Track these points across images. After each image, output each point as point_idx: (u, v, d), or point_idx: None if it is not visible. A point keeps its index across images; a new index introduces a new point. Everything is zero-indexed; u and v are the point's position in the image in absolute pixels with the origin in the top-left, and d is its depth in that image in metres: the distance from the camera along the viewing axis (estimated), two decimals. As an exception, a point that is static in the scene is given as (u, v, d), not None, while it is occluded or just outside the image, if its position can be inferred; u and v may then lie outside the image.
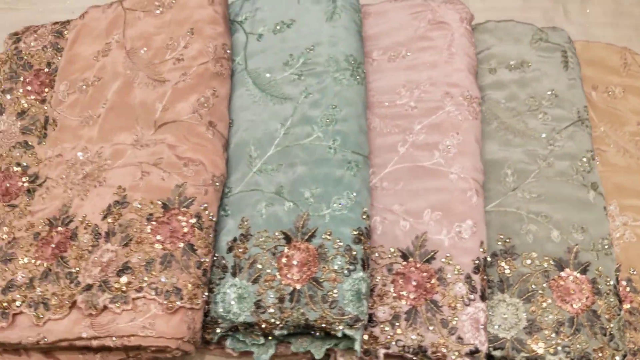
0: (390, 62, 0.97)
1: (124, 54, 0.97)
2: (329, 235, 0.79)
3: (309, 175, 0.83)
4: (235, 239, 0.84)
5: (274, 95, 0.92)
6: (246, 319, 0.78)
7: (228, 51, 0.96)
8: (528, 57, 1.02)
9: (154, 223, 0.81)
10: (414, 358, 0.76)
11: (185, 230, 0.80)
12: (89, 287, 0.78)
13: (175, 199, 0.83)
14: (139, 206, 0.83)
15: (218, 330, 0.81)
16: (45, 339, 0.77)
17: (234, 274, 0.81)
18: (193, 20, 0.95)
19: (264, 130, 0.89)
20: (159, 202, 0.83)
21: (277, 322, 0.76)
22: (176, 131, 0.88)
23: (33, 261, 0.84)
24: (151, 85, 0.92)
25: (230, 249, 0.83)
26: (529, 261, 0.84)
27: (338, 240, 0.78)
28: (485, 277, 0.80)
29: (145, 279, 0.77)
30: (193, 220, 0.81)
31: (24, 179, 0.94)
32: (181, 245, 0.79)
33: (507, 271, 0.84)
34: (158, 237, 0.80)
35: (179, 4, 0.97)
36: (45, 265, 0.83)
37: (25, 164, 0.95)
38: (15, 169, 0.94)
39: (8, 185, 0.92)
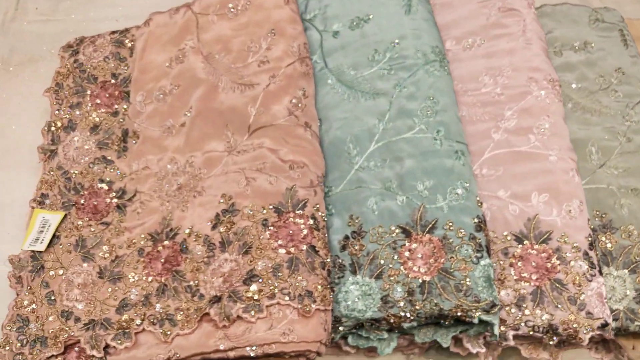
0: (466, 51, 0.98)
1: (201, 60, 0.95)
2: (451, 225, 0.79)
3: (419, 168, 0.84)
4: (347, 237, 0.84)
5: (364, 91, 0.92)
6: (373, 314, 0.78)
7: (308, 50, 0.95)
8: (589, 38, 1.05)
9: (271, 228, 0.80)
10: (544, 337, 0.78)
11: (305, 232, 0.80)
12: (217, 299, 0.76)
13: (288, 202, 0.82)
14: (251, 212, 0.82)
15: (341, 329, 0.81)
16: (178, 355, 0.76)
17: (353, 272, 0.81)
18: (273, 21, 0.94)
19: (360, 126, 0.89)
20: (271, 207, 0.82)
21: (408, 315, 0.77)
22: (273, 134, 0.87)
23: (144, 278, 0.82)
24: (238, 89, 0.91)
25: (344, 247, 0.83)
26: (627, 234, 0.87)
27: (461, 230, 0.79)
28: (597, 253, 0.83)
29: (276, 284, 0.76)
30: (310, 222, 0.80)
31: (111, 195, 0.91)
32: (304, 247, 0.79)
33: (608, 245, 0.87)
34: (279, 242, 0.79)
35: (254, 5, 0.95)
36: (159, 280, 0.81)
37: (108, 179, 0.92)
38: (100, 185, 0.91)
39: (96, 203, 0.90)
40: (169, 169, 0.90)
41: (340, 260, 0.82)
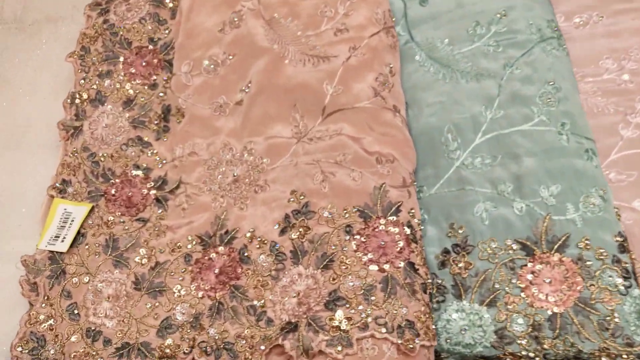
0: (580, 29, 0.81)
1: (262, 24, 0.77)
2: (588, 243, 0.63)
3: (542, 168, 0.67)
4: (447, 251, 0.67)
5: (464, 71, 0.74)
6: (484, 351, 0.62)
7: (393, 19, 0.78)
8: None
9: (357, 237, 0.63)
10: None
11: (401, 244, 0.63)
12: (292, 327, 0.59)
13: (377, 205, 0.65)
14: (330, 216, 0.65)
15: (440, 366, 0.64)
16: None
17: (457, 296, 0.64)
18: (352, -19, 0.76)
19: (461, 113, 0.72)
20: (356, 210, 0.65)
21: (532, 355, 0.60)
22: (355, 119, 0.70)
23: (193, 292, 0.65)
24: (309, 62, 0.73)
25: (443, 264, 0.66)
26: None
27: (601, 250, 0.62)
28: None
29: (368, 311, 0.59)
30: (407, 231, 0.63)
31: (148, 185, 0.73)
32: (401, 264, 0.62)
33: None
34: (370, 256, 0.62)
35: (329, -38, 0.77)
36: (212, 297, 0.63)
37: (145, 166, 0.75)
38: (135, 172, 0.74)
39: (130, 194, 0.72)
40: (222, 157, 0.72)
41: (438, 281, 0.65)
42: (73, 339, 0.63)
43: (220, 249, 0.66)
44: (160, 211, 0.71)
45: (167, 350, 0.61)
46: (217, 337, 0.61)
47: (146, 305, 0.64)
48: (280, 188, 0.69)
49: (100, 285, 0.65)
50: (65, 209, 0.70)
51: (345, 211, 0.66)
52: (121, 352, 0.61)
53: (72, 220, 0.69)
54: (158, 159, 0.75)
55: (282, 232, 0.66)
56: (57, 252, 0.68)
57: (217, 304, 0.63)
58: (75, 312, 0.64)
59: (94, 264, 0.67)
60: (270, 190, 0.69)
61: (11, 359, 0.62)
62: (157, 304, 0.64)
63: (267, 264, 0.64)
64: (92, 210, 0.71)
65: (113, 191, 0.72)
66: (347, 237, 0.64)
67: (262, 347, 0.60)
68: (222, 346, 0.60)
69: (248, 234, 0.67)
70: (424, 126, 0.74)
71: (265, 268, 0.64)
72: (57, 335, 0.63)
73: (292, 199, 0.67)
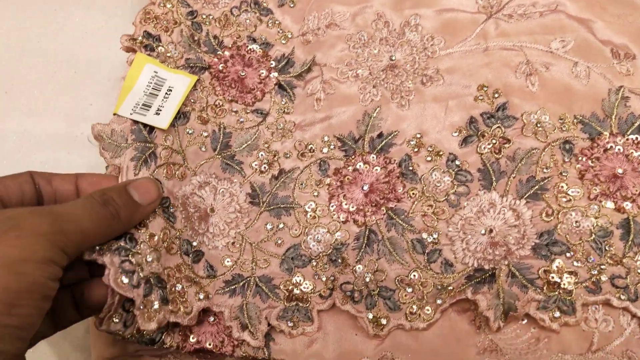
0: None
1: None
2: None
3: None
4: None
5: None
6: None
7: None
8: None
9: (582, 159, 0.44)
10: None
11: (648, 176, 0.42)
12: (487, 277, 0.41)
13: (612, 117, 0.44)
14: (539, 126, 0.45)
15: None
16: (398, 365, 0.41)
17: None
18: None
19: None
20: (577, 121, 0.45)
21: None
22: (579, -9, 0.48)
23: (332, 214, 0.47)
24: None
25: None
26: None
27: None
28: None
29: (603, 267, 0.40)
30: (657, 158, 0.43)
31: (269, 65, 0.53)
32: (650, 204, 0.41)
33: None
34: (599, 188, 0.42)
35: None
36: (360, 222, 0.45)
37: (264, 39, 0.55)
38: (250, 46, 0.54)
39: (244, 74, 0.53)
40: (373, 33, 0.52)
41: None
42: (168, 247, 0.43)
43: (372, 157, 0.47)
44: (284, 102, 0.51)
45: (296, 291, 0.43)
46: (368, 279, 0.42)
47: (266, 226, 0.46)
48: (462, 80, 0.48)
49: (203, 192, 0.47)
50: (155, 73, 0.49)
51: (561, 121, 0.45)
52: (232, 286, 0.44)
53: (170, 91, 0.49)
54: (281, 31, 0.54)
55: (465, 142, 0.46)
56: (144, 125, 0.47)
57: (367, 233, 0.44)
58: (171, 210, 0.44)
59: (196, 158, 0.48)
60: (445, 83, 0.49)
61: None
62: (281, 225, 0.46)
63: (442, 185, 0.45)
64: (196, 84, 0.51)
65: (220, 66, 0.53)
66: (567, 158, 0.43)
67: (439, 301, 0.41)
68: (375, 292, 0.42)
69: (413, 141, 0.47)
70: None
71: (440, 190, 0.45)
72: (152, 235, 0.41)
73: (480, 97, 0.47)
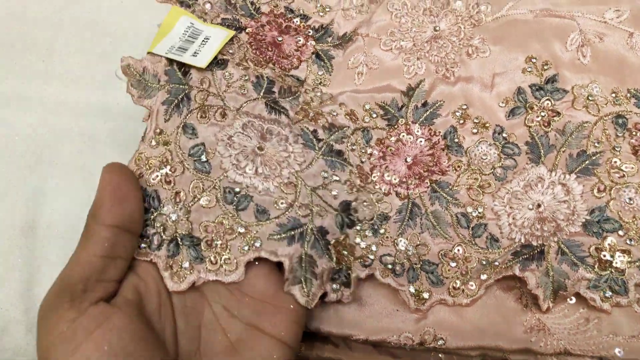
0: None
1: None
2: None
3: None
4: None
5: None
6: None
7: None
8: None
9: (636, 134, 0.42)
10: None
11: None
12: (536, 254, 0.40)
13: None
14: (591, 98, 0.43)
15: None
16: (443, 342, 0.40)
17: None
18: None
19: None
20: (631, 95, 0.43)
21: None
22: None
23: (375, 184, 0.45)
24: None
25: None
26: None
27: None
28: None
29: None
30: None
31: (307, 33, 0.52)
32: None
33: None
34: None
35: None
36: (402, 195, 0.44)
37: (302, 12, 0.53)
38: (289, 15, 0.53)
39: (280, 40, 0.51)
40: (415, 3, 0.50)
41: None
42: (203, 201, 0.39)
43: (416, 128, 0.46)
44: (321, 73, 0.50)
45: (344, 252, 0.41)
46: (410, 252, 0.41)
47: (322, 174, 0.42)
48: (509, 51, 0.46)
49: (248, 131, 0.41)
50: (192, 24, 0.47)
51: (614, 94, 0.43)
52: (290, 232, 0.39)
53: (206, 40, 0.46)
54: (320, 5, 0.53)
55: (512, 113, 0.45)
56: (180, 64, 0.43)
57: (409, 206, 0.43)
58: (204, 159, 0.40)
59: (237, 101, 0.43)
60: (491, 54, 0.47)
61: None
62: (335, 177, 0.42)
63: (489, 158, 0.44)
64: (232, 39, 0.48)
65: (257, 28, 0.51)
66: (620, 133, 0.42)
67: (484, 277, 0.40)
68: (418, 265, 0.41)
69: (459, 112, 0.46)
70: None
71: (486, 163, 0.44)
72: (177, 193, 0.39)
73: (529, 69, 0.45)
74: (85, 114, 0.57)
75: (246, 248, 0.38)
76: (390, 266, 0.41)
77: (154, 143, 0.41)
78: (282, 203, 0.39)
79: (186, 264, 0.37)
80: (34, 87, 0.59)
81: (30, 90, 0.58)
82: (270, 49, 0.49)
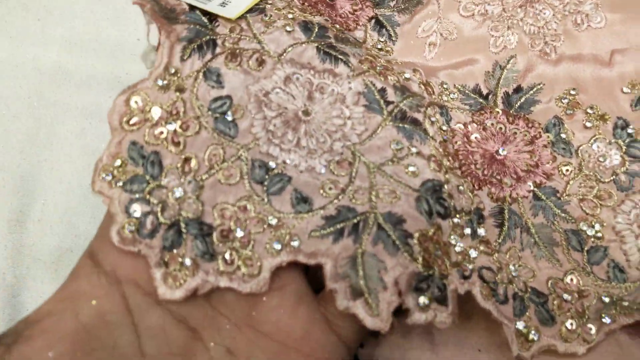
0: None
1: None
2: None
3: None
4: None
5: None
6: None
7: None
8: None
9: None
10: None
11: None
12: None
13: None
14: None
15: None
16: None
17: None
18: None
19: None
20: None
21: None
22: None
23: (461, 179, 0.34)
24: None
25: None
26: None
27: None
28: None
29: None
30: None
31: (364, -4, 0.42)
32: None
33: None
34: None
35: None
36: (497, 196, 0.34)
37: (358, -36, 0.43)
38: (341, -29, 0.42)
39: (332, 1, 0.41)
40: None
41: None
42: (223, 174, 0.29)
43: (509, 117, 0.35)
44: (380, 44, 0.39)
45: (437, 252, 0.28)
46: (514, 272, 0.31)
47: (392, 145, 0.30)
48: (633, 22, 0.36)
49: (291, 87, 0.31)
50: None
51: None
52: (339, 224, 0.28)
53: None
54: (378, -44, 0.42)
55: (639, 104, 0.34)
56: (205, 11, 0.33)
57: (506, 212, 0.33)
58: (229, 117, 0.30)
59: (279, 43, 0.32)
60: (607, 24, 0.36)
61: (93, 188, 0.28)
62: (414, 150, 0.31)
63: (608, 160, 0.33)
64: None
65: (304, -15, 0.40)
66: None
67: (606, 320, 0.30)
68: (525, 293, 0.31)
69: (565, 99, 0.35)
70: None
71: (604, 167, 0.33)
72: (187, 160, 0.29)
73: None
74: (89, 86, 0.48)
75: (278, 247, 0.27)
76: (492, 285, 0.30)
77: (162, 83, 0.29)
78: (330, 189, 0.29)
79: (188, 261, 0.26)
80: (29, 52, 0.49)
81: (24, 55, 0.49)
82: (321, 4, 0.39)
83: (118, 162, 0.27)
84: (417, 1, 0.41)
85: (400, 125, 0.31)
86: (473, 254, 0.30)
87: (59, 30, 0.50)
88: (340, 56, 0.32)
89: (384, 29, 0.40)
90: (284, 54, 0.31)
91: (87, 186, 0.44)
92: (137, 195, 0.27)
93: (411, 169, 0.29)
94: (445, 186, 0.30)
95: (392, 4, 0.41)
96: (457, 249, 0.29)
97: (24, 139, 0.46)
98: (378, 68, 0.33)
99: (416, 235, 0.28)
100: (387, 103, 0.31)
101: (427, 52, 0.39)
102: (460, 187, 0.31)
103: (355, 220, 0.28)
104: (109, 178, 0.27)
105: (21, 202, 0.44)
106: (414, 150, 0.30)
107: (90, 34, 0.50)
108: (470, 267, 0.29)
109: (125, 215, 0.26)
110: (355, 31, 0.40)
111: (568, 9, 0.38)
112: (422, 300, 0.26)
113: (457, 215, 0.30)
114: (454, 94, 0.37)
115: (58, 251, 0.43)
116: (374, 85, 0.31)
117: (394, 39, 0.40)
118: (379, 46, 0.39)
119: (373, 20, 0.41)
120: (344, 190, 0.29)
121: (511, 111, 0.36)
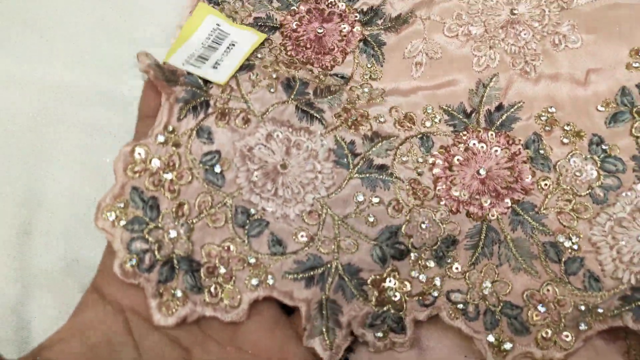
0: None
1: None
2: None
3: None
4: None
5: None
6: None
7: None
8: None
9: None
10: None
11: None
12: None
13: None
14: None
15: None
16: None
17: None
18: None
19: None
20: None
21: None
22: None
23: (436, 203, 0.36)
24: None
25: None
26: None
27: None
28: None
29: None
30: None
31: (352, 18, 0.44)
32: None
33: None
34: None
35: None
36: (476, 215, 0.36)
37: (349, -14, 0.45)
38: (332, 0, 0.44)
39: (321, 32, 0.44)
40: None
41: None
42: (210, 219, 0.34)
43: (490, 135, 0.37)
44: (370, 65, 0.42)
45: (390, 293, 0.34)
46: (487, 290, 0.33)
47: (356, 198, 0.35)
48: (607, 42, 0.38)
49: (272, 143, 0.36)
50: (218, 25, 0.41)
51: None
52: (310, 272, 0.34)
53: (232, 46, 0.40)
54: (368, -20, 0.45)
55: (614, 120, 0.36)
56: (197, 76, 0.37)
57: (484, 230, 0.35)
58: (217, 170, 0.34)
59: (263, 103, 0.37)
60: (584, 44, 0.38)
61: (96, 224, 0.32)
62: (375, 199, 0.35)
63: (584, 175, 0.35)
64: (264, 43, 0.42)
65: (294, 24, 0.43)
66: None
67: (583, 327, 0.32)
68: (497, 308, 0.33)
69: (544, 116, 0.37)
70: None
71: (581, 181, 0.35)
72: (180, 205, 0.33)
73: (635, 64, 0.37)
74: (92, 102, 0.49)
75: (255, 283, 0.33)
76: (461, 306, 0.33)
77: (161, 140, 0.34)
78: (302, 236, 0.34)
79: (179, 294, 0.31)
80: (33, 69, 0.51)
81: (29, 72, 0.51)
82: (309, 45, 0.42)
83: (121, 204, 0.32)
84: (403, 20, 0.42)
85: (365, 175, 0.35)
86: (438, 282, 0.34)
87: (62, 47, 0.52)
88: (316, 114, 0.36)
89: (371, 50, 0.42)
90: (267, 113, 0.36)
91: (90, 199, 0.46)
92: (137, 235, 0.31)
93: (370, 219, 0.34)
94: (404, 227, 0.34)
95: (379, 22, 0.43)
96: (422, 279, 0.34)
97: (29, 154, 0.48)
98: (351, 120, 0.37)
99: (369, 280, 0.33)
100: (355, 155, 0.36)
101: (414, 72, 0.41)
102: (423, 224, 0.35)
103: (321, 269, 0.33)
104: (112, 217, 0.31)
105: (28, 214, 0.46)
106: (375, 200, 0.35)
107: (94, 51, 0.52)
108: (436, 294, 0.33)
109: (127, 251, 0.31)
110: (344, 61, 0.42)
111: (547, 30, 0.40)
112: (378, 334, 0.32)
113: (416, 251, 0.34)
114: (438, 115, 0.39)
115: (64, 261, 0.45)
116: (343, 140, 0.36)
117: (381, 60, 0.42)
118: (367, 74, 0.41)
119: (361, 43, 0.43)
120: (313, 238, 0.34)
121: (492, 129, 0.38)
